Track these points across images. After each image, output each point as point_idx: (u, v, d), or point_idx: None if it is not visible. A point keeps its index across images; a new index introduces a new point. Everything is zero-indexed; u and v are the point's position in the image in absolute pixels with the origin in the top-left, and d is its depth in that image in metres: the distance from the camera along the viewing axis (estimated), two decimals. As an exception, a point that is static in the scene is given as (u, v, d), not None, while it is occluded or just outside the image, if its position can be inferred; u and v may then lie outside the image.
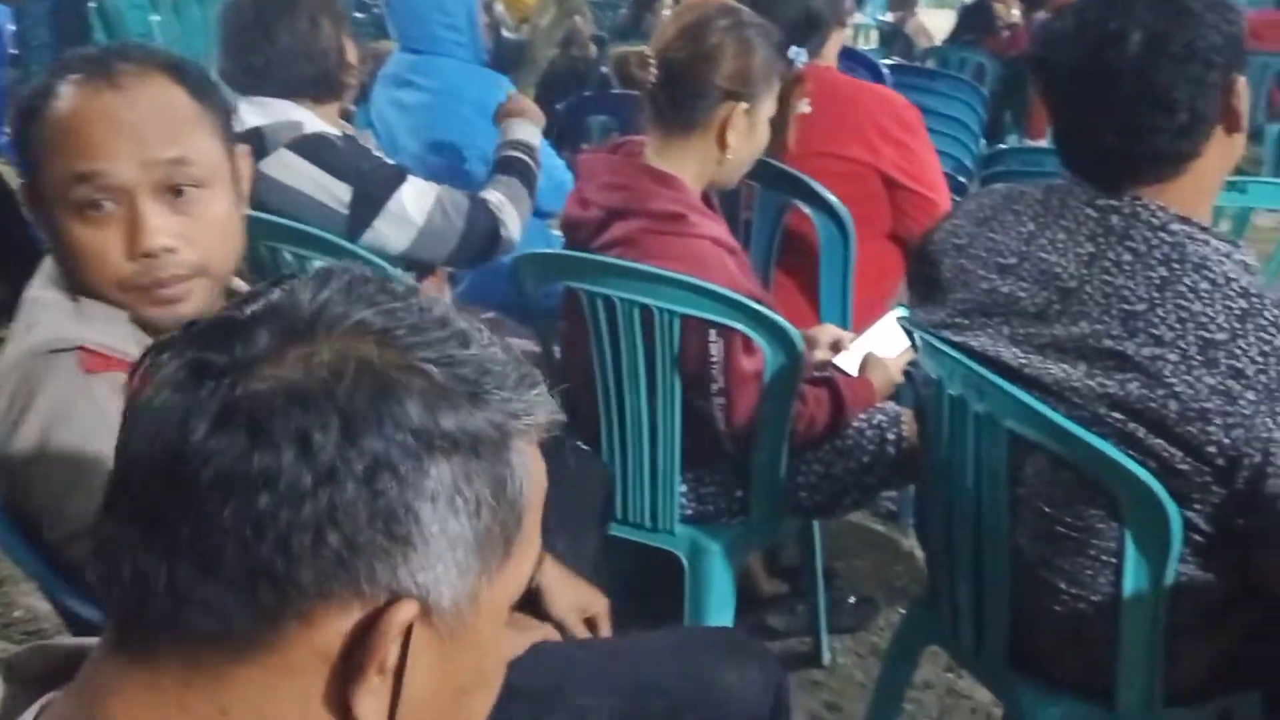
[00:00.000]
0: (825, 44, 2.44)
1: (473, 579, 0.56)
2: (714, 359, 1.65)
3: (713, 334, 1.63)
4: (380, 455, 0.52)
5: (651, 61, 1.65)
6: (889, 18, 7.64)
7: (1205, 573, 1.35)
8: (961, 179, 3.02)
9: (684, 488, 1.80)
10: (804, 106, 2.35)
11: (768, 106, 1.75)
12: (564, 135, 2.91)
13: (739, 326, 1.61)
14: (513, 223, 2.10)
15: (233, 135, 1.14)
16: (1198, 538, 1.32)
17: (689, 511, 1.81)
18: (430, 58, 2.59)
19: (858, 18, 9.07)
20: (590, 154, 1.82)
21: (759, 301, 1.63)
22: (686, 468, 1.78)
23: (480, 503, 0.56)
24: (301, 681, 0.54)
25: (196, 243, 1.07)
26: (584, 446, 1.82)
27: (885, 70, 3.09)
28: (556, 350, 1.90)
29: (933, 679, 2.20)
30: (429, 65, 2.59)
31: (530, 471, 0.59)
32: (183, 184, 1.06)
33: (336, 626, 0.53)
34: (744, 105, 1.69)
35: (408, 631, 0.54)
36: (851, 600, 2.36)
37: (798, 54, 2.02)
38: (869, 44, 7.57)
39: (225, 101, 1.14)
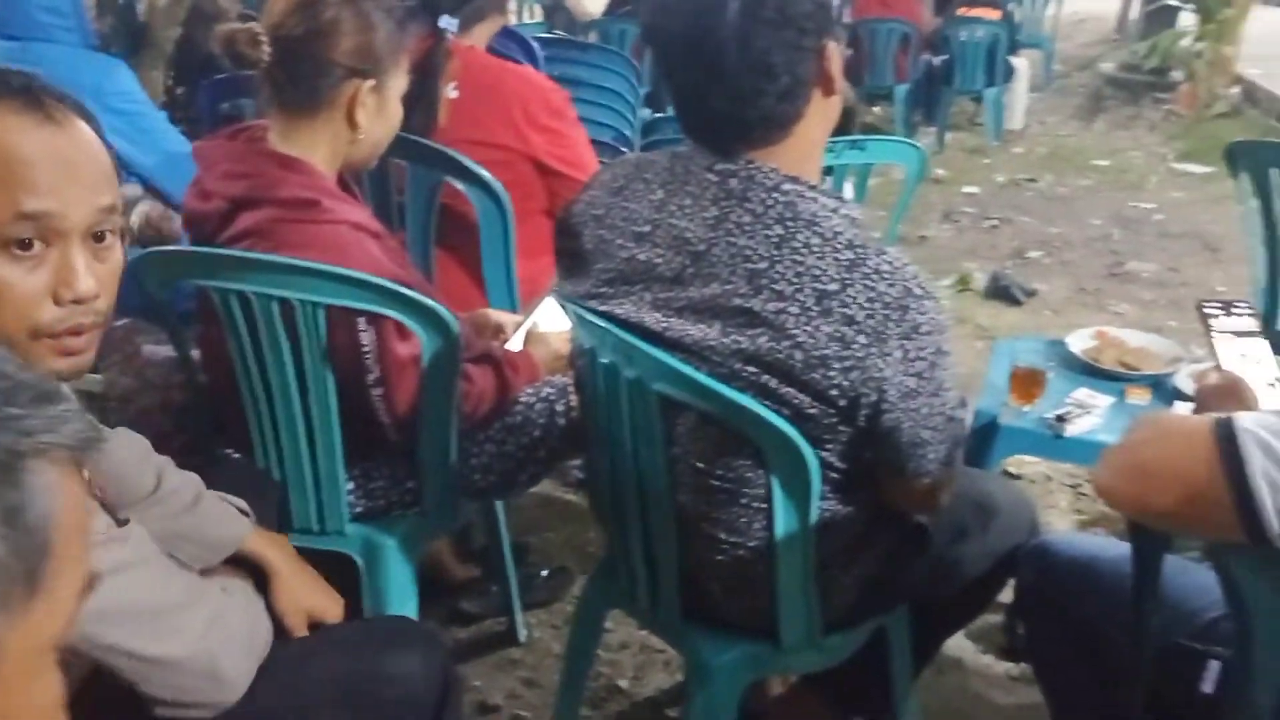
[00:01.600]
0: (479, 24, 2.41)
1: None
2: (366, 349, 1.59)
3: (362, 323, 1.57)
4: None
5: (263, 39, 1.55)
6: (549, -9, 7.70)
7: (845, 506, 1.46)
8: (624, 149, 3.08)
9: (351, 485, 1.73)
10: (451, 91, 2.32)
11: (398, 82, 1.69)
12: (197, 123, 2.71)
13: (389, 313, 1.55)
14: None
15: None
16: (834, 475, 1.41)
17: (359, 509, 1.75)
18: (30, 44, 2.33)
19: (522, -8, 9.10)
20: (208, 142, 1.69)
21: (408, 285, 1.58)
22: (351, 464, 1.71)
23: None
24: None
25: (108, 291, 1.06)
26: (238, 456, 1.71)
27: (537, 48, 3.09)
28: (196, 355, 1.76)
29: (628, 639, 2.26)
30: (30, 53, 2.33)
31: (57, 494, 0.53)
32: (106, 230, 1.05)
33: None
34: (370, 82, 1.63)
35: None
36: (544, 573, 2.38)
37: (449, 23, 1.97)
38: (534, 18, 7.60)
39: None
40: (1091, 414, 2.05)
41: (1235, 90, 7.90)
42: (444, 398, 1.66)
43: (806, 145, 1.36)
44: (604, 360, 1.44)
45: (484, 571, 2.32)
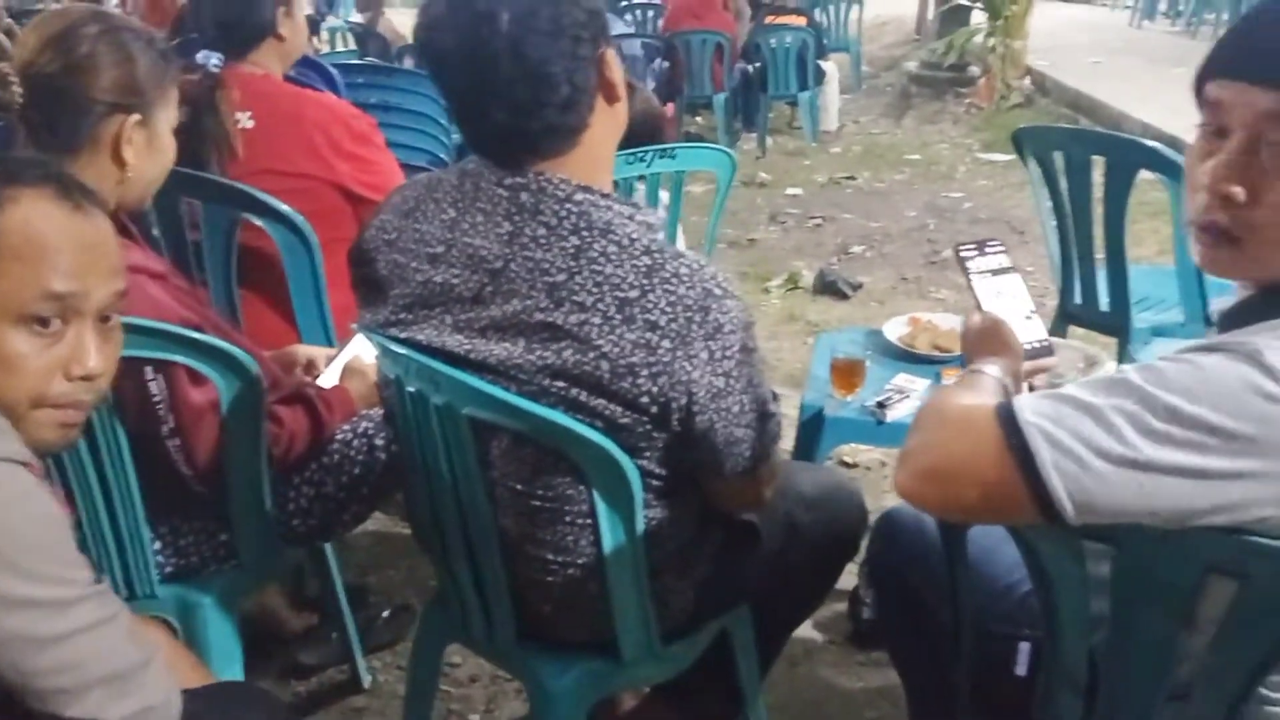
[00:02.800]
0: (258, 52, 2.32)
1: None
2: (157, 398, 1.49)
3: (149, 371, 1.48)
4: None
5: (13, 80, 1.45)
6: (359, 19, 7.55)
7: (671, 513, 1.45)
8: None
9: (158, 544, 1.63)
10: (246, 121, 2.23)
11: (167, 115, 1.60)
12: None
13: (175, 358, 1.47)
14: None
15: None
16: (656, 482, 1.40)
17: (170, 569, 1.65)
18: None
19: (331, 20, 8.91)
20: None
21: (197, 328, 1.50)
22: (157, 521, 1.61)
23: None
24: None
25: (109, 371, 1.16)
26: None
27: (337, 75, 3.01)
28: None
29: (477, 671, 2.20)
30: None
31: None
32: (112, 314, 1.15)
33: None
34: (135, 117, 1.54)
35: None
36: (385, 614, 2.30)
37: (207, 58, 1.88)
38: (346, 46, 7.44)
39: None
40: (910, 397, 2.11)
41: (1027, 81, 8.37)
42: (249, 443, 1.58)
43: (596, 153, 1.35)
44: (410, 388, 1.39)
45: (321, 618, 2.23)
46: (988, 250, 1.45)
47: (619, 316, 1.27)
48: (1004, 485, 0.99)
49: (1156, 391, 0.96)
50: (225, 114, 2.07)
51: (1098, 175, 2.71)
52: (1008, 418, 1.00)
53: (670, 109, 7.24)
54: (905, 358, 2.28)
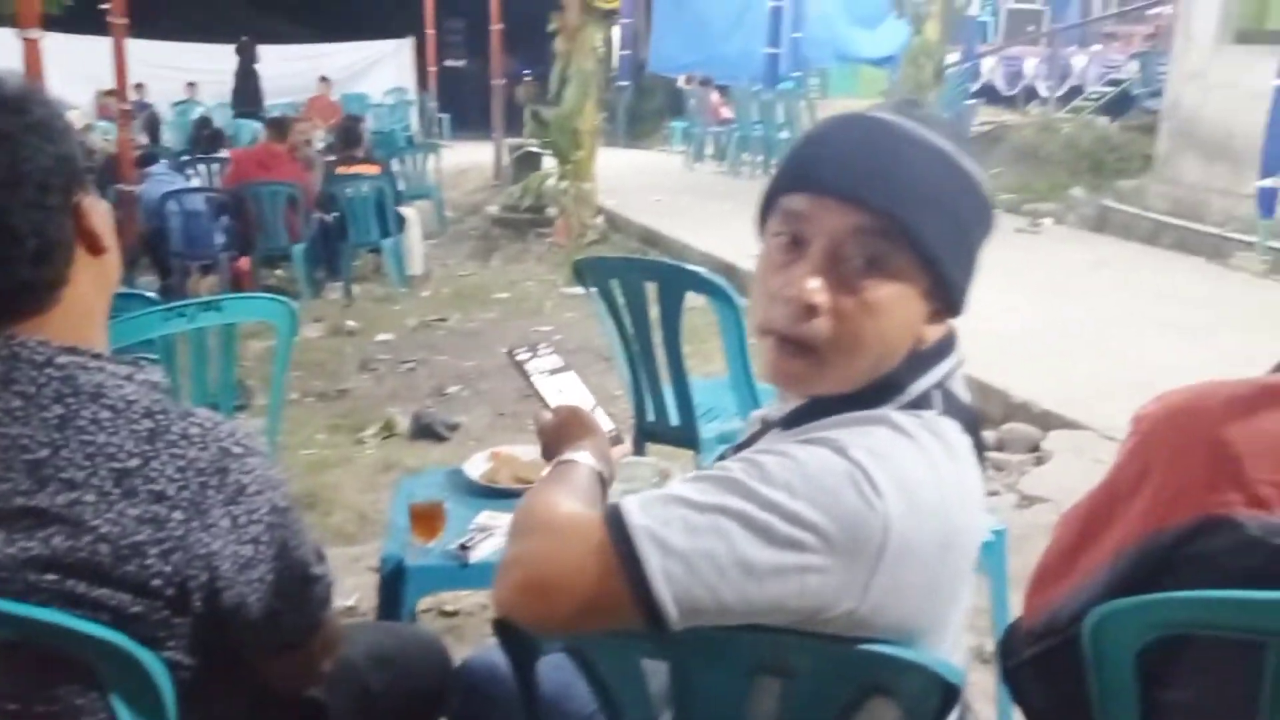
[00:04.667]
0: None
1: None
2: None
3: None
4: None
5: None
6: None
7: (213, 706, 1.27)
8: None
9: None
10: None
11: None
12: None
13: None
14: None
15: None
16: (188, 674, 1.22)
17: None
18: None
19: None
20: None
21: None
22: None
23: None
24: None
25: None
26: None
27: None
28: None
29: None
30: None
31: None
32: None
33: None
34: None
35: None
36: None
37: None
38: None
39: None
40: (495, 535, 2.05)
41: (600, 220, 8.93)
42: None
43: (82, 310, 1.20)
44: None
45: None
46: (540, 352, 1.45)
47: (117, 491, 1.11)
48: (609, 593, 0.96)
49: (760, 487, 0.96)
50: None
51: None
52: (616, 523, 0.97)
53: (245, 263, 6.95)
54: (488, 494, 2.23)
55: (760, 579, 0.95)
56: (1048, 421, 4.22)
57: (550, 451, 1.26)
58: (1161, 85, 9.66)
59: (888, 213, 1.00)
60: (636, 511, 0.98)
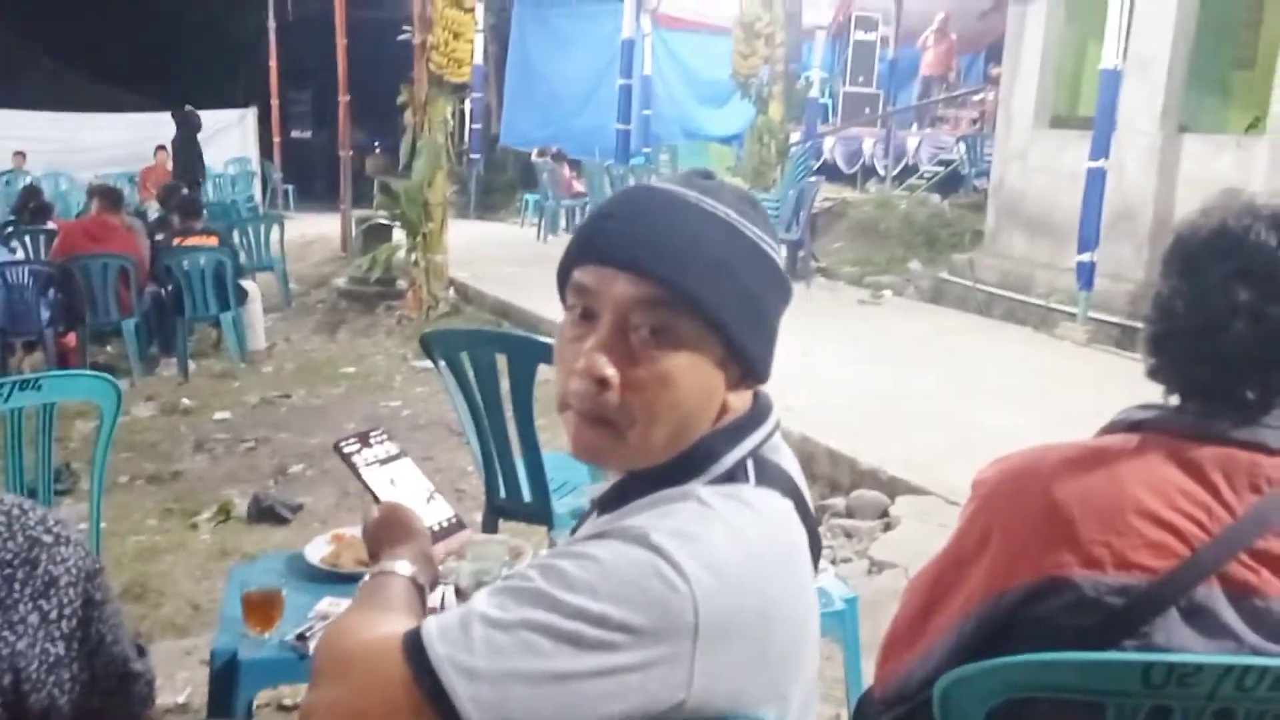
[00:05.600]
0: None
1: None
2: None
3: None
4: None
5: None
6: None
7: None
8: None
9: None
10: None
11: None
12: None
13: None
14: None
15: None
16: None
17: None
18: None
19: None
20: None
21: None
22: None
23: None
24: None
25: None
26: None
27: None
28: None
29: None
30: None
31: None
32: None
33: None
34: None
35: None
36: None
37: None
38: None
39: None
40: (336, 622, 1.96)
41: (451, 292, 8.84)
42: None
43: None
44: None
45: None
46: (373, 441, 1.39)
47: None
48: None
49: (562, 595, 0.92)
50: None
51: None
52: (417, 655, 0.92)
53: (71, 339, 6.60)
54: (330, 579, 2.12)
55: (578, 688, 0.91)
56: (894, 487, 4.33)
57: (373, 553, 1.21)
58: (988, 165, 10.25)
59: (670, 282, 1.00)
60: (437, 640, 0.93)
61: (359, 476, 1.34)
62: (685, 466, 1.04)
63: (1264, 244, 1.23)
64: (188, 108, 13.47)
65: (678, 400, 1.02)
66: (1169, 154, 7.26)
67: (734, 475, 1.05)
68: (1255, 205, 1.27)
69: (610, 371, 1.01)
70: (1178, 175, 7.22)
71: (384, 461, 1.35)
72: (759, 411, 1.10)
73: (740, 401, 1.08)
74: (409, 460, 1.37)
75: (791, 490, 1.07)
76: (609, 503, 1.10)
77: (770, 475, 1.06)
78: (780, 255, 1.09)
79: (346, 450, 1.35)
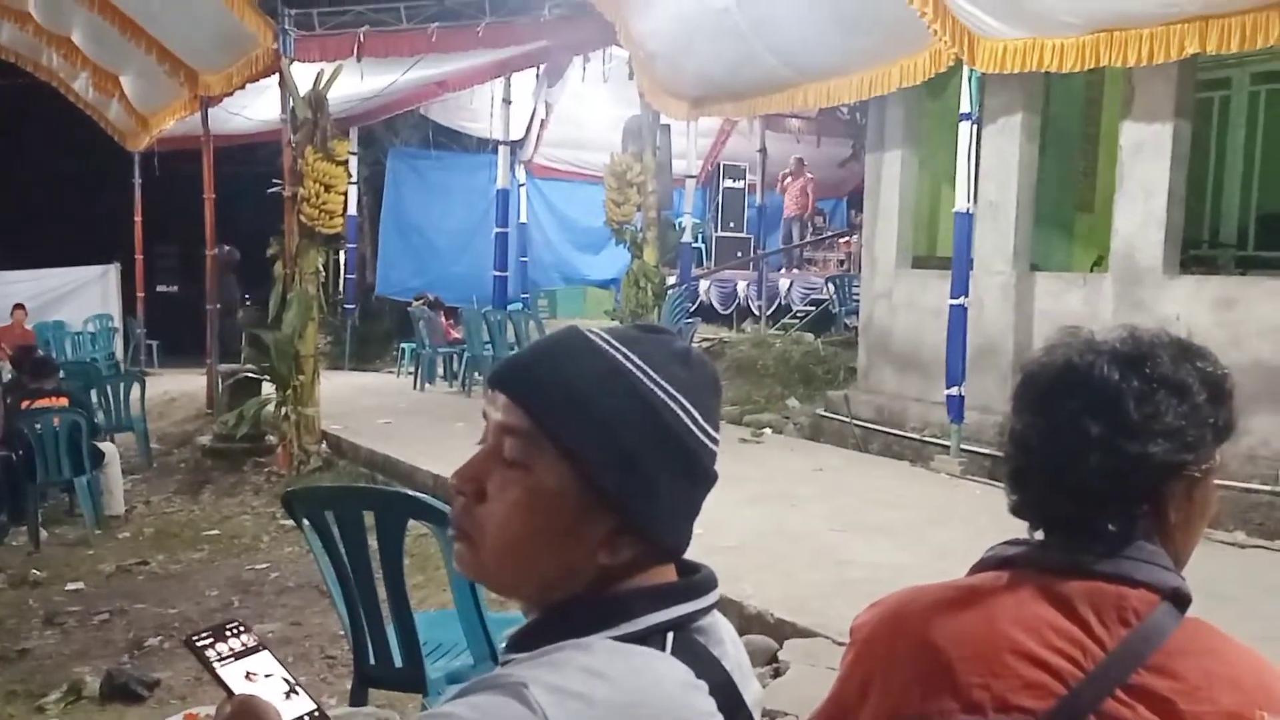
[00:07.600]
0: None
1: None
2: None
3: None
4: None
5: None
6: None
7: None
8: None
9: None
10: None
11: None
12: None
13: None
14: None
15: None
16: None
17: None
18: None
19: None
20: None
21: None
22: None
23: None
24: None
25: None
26: None
27: None
28: None
29: None
30: None
31: None
32: None
33: None
34: None
35: None
36: None
37: None
38: None
39: None
40: (181, 819, 1.77)
41: (324, 446, 8.57)
42: None
43: None
44: None
45: None
46: (228, 634, 1.29)
47: None
48: None
49: None
50: None
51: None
52: None
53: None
54: (177, 769, 1.94)
55: None
56: (782, 630, 4.26)
57: None
58: (857, 304, 10.59)
59: (526, 405, 1.01)
60: None
61: (213, 673, 1.25)
62: (596, 616, 1.00)
63: (1108, 379, 1.25)
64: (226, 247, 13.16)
65: (523, 527, 1.01)
66: (1023, 291, 7.62)
67: (646, 639, 0.99)
68: (1095, 342, 1.30)
69: (463, 485, 1.03)
70: (1033, 310, 7.57)
71: (239, 655, 1.27)
72: (692, 586, 1.05)
73: (659, 572, 1.04)
74: (268, 653, 1.29)
75: (716, 679, 1.01)
76: (517, 642, 1.05)
77: (693, 654, 1.00)
78: (689, 419, 1.05)
79: (199, 644, 1.26)
